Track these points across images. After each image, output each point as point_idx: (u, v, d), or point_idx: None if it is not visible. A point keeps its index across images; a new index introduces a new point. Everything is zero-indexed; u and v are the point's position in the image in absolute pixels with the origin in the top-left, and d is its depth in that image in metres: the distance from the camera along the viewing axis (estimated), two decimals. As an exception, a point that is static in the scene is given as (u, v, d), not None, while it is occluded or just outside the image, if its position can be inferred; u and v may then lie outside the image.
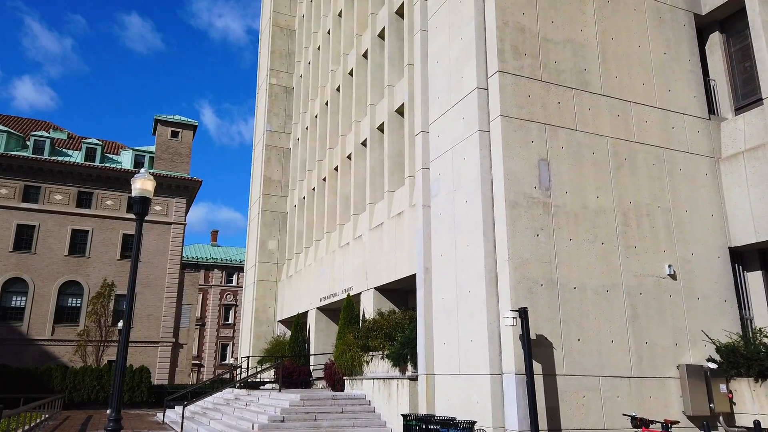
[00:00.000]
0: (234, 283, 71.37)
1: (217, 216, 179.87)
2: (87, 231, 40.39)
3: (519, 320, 10.66)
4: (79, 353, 37.58)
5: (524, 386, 10.57)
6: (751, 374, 11.74)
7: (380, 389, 15.68)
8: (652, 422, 10.12)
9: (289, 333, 27.74)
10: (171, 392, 27.79)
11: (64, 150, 42.99)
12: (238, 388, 23.16)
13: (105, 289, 39.08)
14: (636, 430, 10.30)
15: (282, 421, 14.41)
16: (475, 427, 10.47)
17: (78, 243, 40.11)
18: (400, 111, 20.33)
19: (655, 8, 14.64)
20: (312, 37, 31.08)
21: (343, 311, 19.88)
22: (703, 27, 15.66)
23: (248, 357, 28.32)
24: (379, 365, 16.69)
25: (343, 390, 18.16)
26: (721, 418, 11.93)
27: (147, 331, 40.19)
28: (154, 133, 45.80)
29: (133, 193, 10.87)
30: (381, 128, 21.63)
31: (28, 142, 41.30)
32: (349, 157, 24.08)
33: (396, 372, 15.57)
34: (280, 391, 18.37)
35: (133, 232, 40.34)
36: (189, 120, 45.84)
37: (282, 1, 35.19)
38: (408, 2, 20.22)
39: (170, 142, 44.79)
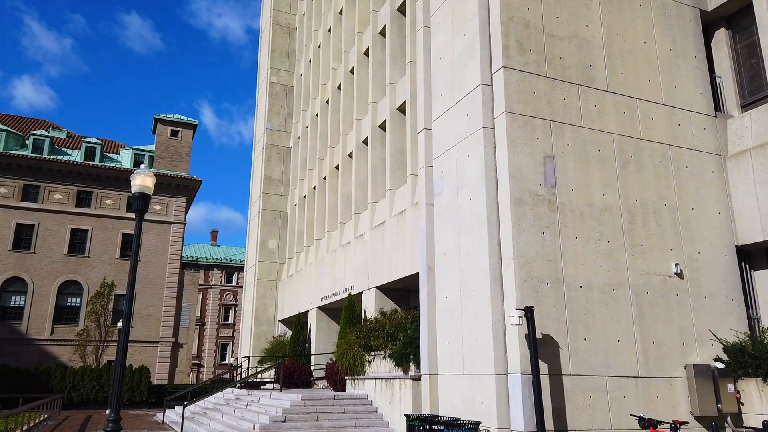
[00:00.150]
0: (234, 282, 71.20)
1: (217, 216, 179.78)
2: (86, 230, 40.22)
3: (525, 319, 10.51)
4: (78, 353, 37.43)
5: (530, 386, 10.41)
6: (759, 374, 11.59)
7: (382, 389, 15.53)
8: (660, 423, 9.97)
9: (289, 333, 27.59)
10: (171, 392, 27.64)
11: (63, 149, 42.81)
12: (238, 388, 22.99)
13: (104, 288, 38.92)
14: (644, 430, 10.14)
15: (283, 422, 14.25)
16: (480, 428, 10.32)
17: (77, 242, 39.92)
18: (402, 109, 20.16)
19: (661, 4, 14.49)
20: (313, 35, 30.92)
21: (344, 310, 19.72)
22: (709, 23, 15.51)
23: (248, 357, 28.15)
24: (381, 365, 16.53)
25: (344, 390, 18.00)
26: (728, 418, 11.78)
27: (147, 331, 40.01)
28: (153, 132, 45.63)
29: (133, 190, 10.71)
30: (382, 126, 21.47)
31: (27, 141, 41.12)
32: (350, 155, 23.93)
33: (398, 372, 15.41)
34: (281, 391, 18.21)
35: (132, 232, 40.16)
36: (189, 119, 45.66)
37: (282, -1, 35.03)
38: (410, -1, 20.05)
39: (170, 142, 44.62)
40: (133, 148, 44.67)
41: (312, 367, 23.42)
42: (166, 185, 42.63)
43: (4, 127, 40.13)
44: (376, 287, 19.47)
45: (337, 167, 25.23)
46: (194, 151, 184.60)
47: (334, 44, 27.24)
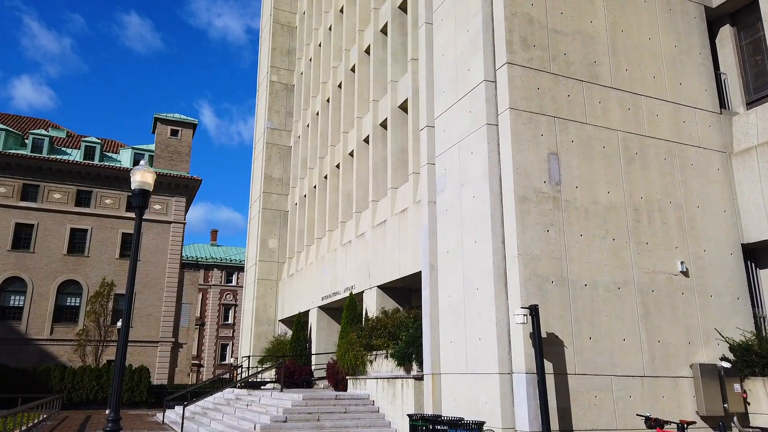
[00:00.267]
0: (233, 282, 71.06)
1: (217, 216, 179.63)
2: (86, 230, 40.07)
3: (530, 318, 10.37)
4: (78, 353, 37.29)
5: (535, 386, 10.28)
6: (766, 374, 11.47)
7: (384, 389, 15.39)
8: (667, 423, 9.83)
9: (290, 332, 27.45)
10: (171, 392, 27.51)
11: (62, 148, 42.67)
12: (238, 387, 22.85)
13: (104, 288, 38.78)
14: (650, 430, 10.01)
15: (284, 422, 14.12)
16: (484, 428, 10.18)
17: (77, 242, 39.77)
18: (404, 107, 20.03)
19: (666, 0, 14.36)
20: (313, 33, 30.79)
21: (345, 310, 19.59)
22: (714, 20, 15.38)
23: (249, 356, 28.02)
24: (383, 364, 16.40)
25: (346, 390, 17.87)
26: (735, 418, 11.64)
27: (146, 331, 39.86)
28: (153, 132, 45.47)
29: (133, 186, 10.56)
30: (384, 124, 21.34)
31: (26, 141, 40.98)
32: (351, 154, 23.79)
33: (400, 371, 15.28)
34: (281, 390, 18.07)
35: (132, 231, 39.99)
36: (189, 118, 45.51)
37: (283, -3, 34.90)
38: (411, -4, 19.91)
39: (170, 141, 44.46)
40: (132, 148, 44.52)
41: (313, 367, 23.29)
42: (166, 185, 42.48)
43: (4, 127, 39.99)
44: (378, 286, 19.34)
45: (338, 166, 25.09)
46: (194, 151, 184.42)
47: (335, 42, 27.10)
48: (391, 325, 16.38)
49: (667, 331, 11.83)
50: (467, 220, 12.42)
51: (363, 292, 20.30)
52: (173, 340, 40.82)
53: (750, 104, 14.42)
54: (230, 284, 70.89)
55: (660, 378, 11.46)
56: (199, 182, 43.70)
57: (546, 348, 10.59)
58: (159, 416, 23.54)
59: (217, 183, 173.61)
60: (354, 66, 24.45)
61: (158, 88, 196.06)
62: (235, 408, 17.86)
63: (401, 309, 18.16)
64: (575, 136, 12.15)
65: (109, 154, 44.03)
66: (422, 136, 14.80)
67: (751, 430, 11.57)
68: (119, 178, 41.42)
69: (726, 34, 15.28)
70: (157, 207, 42.09)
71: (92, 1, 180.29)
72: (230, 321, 69.46)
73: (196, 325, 62.92)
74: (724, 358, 12.05)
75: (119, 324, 34.25)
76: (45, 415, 20.84)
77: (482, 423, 10.09)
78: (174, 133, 44.78)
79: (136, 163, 43.54)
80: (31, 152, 39.91)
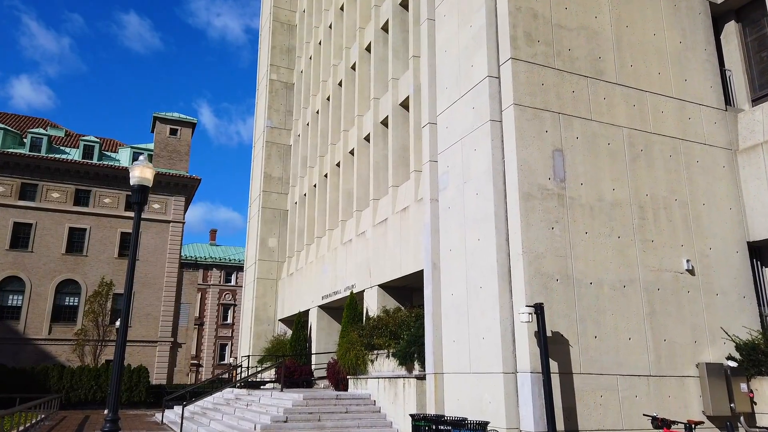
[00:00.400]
0: (233, 282, 70.90)
1: (216, 216, 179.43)
2: (85, 229, 39.88)
3: (535, 316, 10.22)
4: (76, 353, 37.09)
5: (540, 385, 10.13)
6: (773, 373, 11.32)
7: (386, 389, 15.24)
8: (674, 423, 9.68)
9: (289, 332, 27.28)
10: (170, 392, 27.35)
11: (61, 147, 42.47)
12: (238, 387, 22.70)
13: (103, 288, 38.59)
14: (657, 431, 9.85)
15: (285, 422, 13.96)
16: (488, 428, 10.03)
17: (75, 241, 39.57)
18: (405, 104, 19.88)
19: (670, -4, 14.22)
20: (313, 31, 30.63)
21: (346, 309, 19.43)
22: (719, 16, 15.24)
23: (248, 356, 27.85)
24: (384, 364, 16.24)
25: (346, 389, 17.71)
26: (741, 418, 11.50)
27: (145, 331, 39.68)
28: (152, 131, 45.30)
29: (132, 182, 10.41)
30: (385, 122, 21.18)
31: (25, 140, 40.80)
32: (352, 152, 23.64)
33: (402, 371, 15.13)
34: (282, 390, 17.91)
35: (131, 231, 39.80)
36: (188, 117, 45.33)
37: (282, -5, 34.75)
38: (413, -7, 19.77)
39: (169, 140, 44.29)
40: (131, 147, 44.34)
41: (313, 367, 23.12)
42: (165, 184, 42.30)
43: (2, 126, 39.80)
44: (379, 285, 19.19)
45: (338, 164, 24.94)
46: (193, 151, 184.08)
47: (335, 40, 26.95)
48: (393, 325, 16.22)
49: (672, 330, 11.69)
50: (470, 218, 12.27)
51: (364, 291, 20.14)
52: (172, 339, 40.64)
53: (755, 101, 14.28)
54: (229, 284, 70.73)
55: (666, 377, 11.32)
56: (198, 181, 43.53)
57: (551, 347, 10.44)
58: (158, 416, 23.37)
59: (216, 183, 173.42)
60: (354, 64, 24.30)
61: (157, 87, 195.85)
62: (234, 408, 17.70)
63: (402, 308, 18.00)
64: (580, 133, 12.01)
65: (108, 154, 43.85)
66: (424, 133, 14.65)
67: (758, 429, 11.42)
68: (118, 178, 41.23)
69: (731, 30, 15.14)
70: (156, 206, 41.91)
71: (91, 1, 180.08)
72: (229, 321, 69.31)
73: (195, 324, 62.77)
74: (730, 358, 11.91)
75: (118, 323, 34.05)
76: (43, 415, 20.66)
77: (486, 423, 9.93)
78: (173, 132, 44.60)
79: (135, 162, 43.39)
80: (29, 151, 39.72)
